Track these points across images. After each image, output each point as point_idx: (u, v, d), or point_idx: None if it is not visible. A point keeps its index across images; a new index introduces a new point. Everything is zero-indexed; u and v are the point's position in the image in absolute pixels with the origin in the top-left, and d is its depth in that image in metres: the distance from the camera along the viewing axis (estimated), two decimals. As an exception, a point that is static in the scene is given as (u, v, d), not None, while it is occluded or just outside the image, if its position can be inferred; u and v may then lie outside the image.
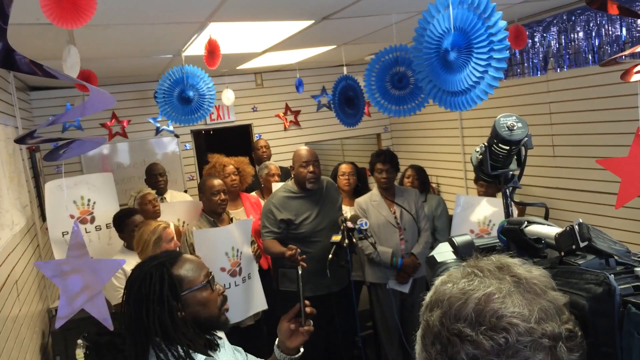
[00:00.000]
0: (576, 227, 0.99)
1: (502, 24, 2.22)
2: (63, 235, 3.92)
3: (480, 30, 2.27)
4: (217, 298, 1.70)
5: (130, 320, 1.61)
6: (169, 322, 1.57)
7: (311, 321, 1.74)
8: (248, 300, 3.62)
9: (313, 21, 3.55)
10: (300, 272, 1.78)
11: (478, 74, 2.32)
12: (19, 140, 1.29)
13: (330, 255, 3.45)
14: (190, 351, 1.57)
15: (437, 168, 6.02)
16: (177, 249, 3.28)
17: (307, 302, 1.73)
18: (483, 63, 2.30)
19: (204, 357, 1.60)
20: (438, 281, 0.93)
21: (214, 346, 1.74)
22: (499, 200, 4.08)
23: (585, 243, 0.97)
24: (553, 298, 0.84)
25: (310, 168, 3.79)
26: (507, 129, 1.31)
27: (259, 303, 3.71)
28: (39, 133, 1.25)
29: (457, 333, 0.81)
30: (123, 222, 3.76)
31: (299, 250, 3.53)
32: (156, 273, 1.63)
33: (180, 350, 1.55)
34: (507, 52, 2.27)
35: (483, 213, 3.95)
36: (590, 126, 4.02)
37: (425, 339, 0.88)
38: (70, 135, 5.18)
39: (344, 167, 4.71)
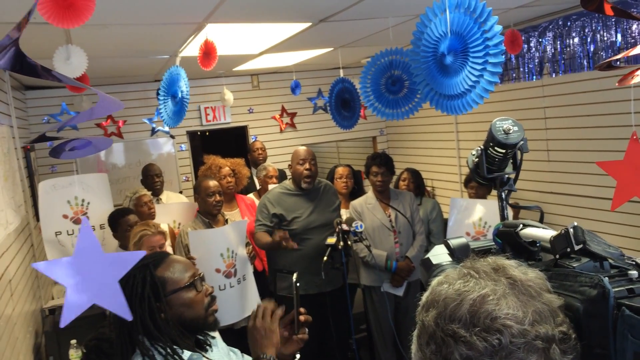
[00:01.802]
0: (571, 230, 1.00)
1: (498, 28, 2.23)
2: (56, 235, 3.91)
3: (476, 35, 2.28)
4: (203, 299, 1.69)
5: (115, 320, 1.63)
6: (151, 323, 1.58)
7: (306, 329, 1.71)
8: (243, 301, 3.61)
9: (310, 23, 3.56)
10: (295, 279, 1.72)
11: (474, 78, 2.33)
12: (35, 142, 1.30)
13: (325, 257, 3.46)
14: (176, 347, 1.58)
15: (432, 171, 6.04)
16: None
17: (302, 309, 1.69)
18: (479, 67, 2.31)
19: (190, 352, 1.60)
20: (434, 282, 0.93)
21: (204, 346, 1.74)
22: (494, 202, 4.08)
23: (580, 246, 0.98)
24: (548, 300, 0.85)
25: (307, 165, 3.82)
26: (503, 132, 1.31)
27: (254, 304, 3.70)
28: (48, 135, 1.26)
29: (452, 334, 0.82)
30: (117, 222, 3.75)
31: (287, 233, 3.58)
32: (139, 274, 1.64)
33: (167, 348, 1.56)
34: (503, 56, 2.28)
35: (478, 215, 3.97)
36: (585, 131, 4.04)
37: (420, 339, 0.89)
38: (66, 135, 5.16)
39: (341, 170, 4.71)
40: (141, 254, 1.32)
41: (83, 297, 1.17)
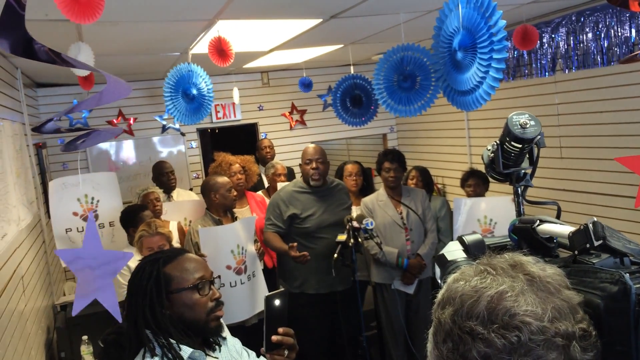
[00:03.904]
0: (590, 225, 0.98)
1: (502, 23, 2.21)
2: (66, 232, 3.94)
3: (482, 30, 2.27)
4: (206, 303, 1.68)
5: (127, 311, 1.68)
6: (150, 317, 1.61)
7: (286, 351, 1.62)
8: (254, 297, 3.61)
9: (321, 20, 3.55)
10: (265, 298, 1.63)
11: (481, 74, 2.31)
12: (38, 129, 1.31)
13: (335, 255, 3.45)
14: (174, 342, 1.59)
15: (443, 169, 6.01)
16: None
17: (281, 330, 1.61)
18: (485, 63, 2.29)
19: (192, 350, 1.61)
20: (450, 279, 0.92)
21: (212, 346, 1.74)
22: (497, 199, 4.12)
23: (600, 242, 0.96)
24: (567, 297, 0.83)
25: (313, 165, 3.82)
26: (519, 126, 1.30)
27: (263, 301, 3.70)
28: (55, 123, 1.26)
29: (469, 331, 0.80)
30: (136, 216, 3.74)
31: (305, 253, 3.57)
32: (148, 268, 1.68)
33: (165, 341, 1.59)
34: (506, 52, 2.26)
35: (482, 213, 3.97)
36: (598, 128, 4.00)
37: (436, 337, 0.87)
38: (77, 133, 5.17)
39: (351, 168, 4.69)
40: (129, 255, 1.33)
41: (90, 288, 1.18)
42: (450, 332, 0.83)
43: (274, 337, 1.59)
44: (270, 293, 1.62)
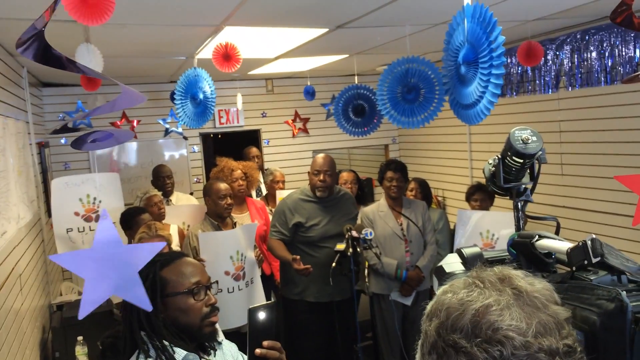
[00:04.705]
0: (589, 242, 0.99)
1: (501, 39, 2.22)
2: (67, 232, 3.94)
3: (484, 45, 2.28)
4: (201, 308, 1.68)
5: (122, 314, 1.68)
6: (144, 319, 1.61)
7: None
8: (250, 304, 3.59)
9: (327, 29, 3.57)
10: (250, 311, 1.59)
11: (481, 88, 2.33)
12: (58, 132, 1.31)
13: (333, 264, 3.45)
14: (167, 344, 1.59)
15: (444, 181, 6.01)
16: None
17: (265, 343, 1.57)
18: (485, 78, 2.30)
19: (185, 352, 1.61)
20: (440, 291, 0.92)
21: (207, 350, 1.74)
22: (500, 213, 4.11)
23: (598, 259, 0.97)
24: (554, 312, 0.83)
25: (321, 177, 3.82)
26: (521, 141, 1.30)
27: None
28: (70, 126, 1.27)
29: (453, 344, 0.80)
30: (133, 219, 3.75)
31: (308, 267, 3.58)
32: (145, 270, 1.65)
33: (159, 343, 1.59)
34: (504, 68, 2.27)
35: (485, 227, 3.97)
36: (600, 146, 4.00)
37: (423, 348, 0.88)
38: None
39: (346, 176, 4.69)
40: (160, 245, 1.33)
41: (101, 289, 1.18)
42: (435, 345, 0.83)
43: (257, 351, 1.56)
44: (255, 305, 1.59)
